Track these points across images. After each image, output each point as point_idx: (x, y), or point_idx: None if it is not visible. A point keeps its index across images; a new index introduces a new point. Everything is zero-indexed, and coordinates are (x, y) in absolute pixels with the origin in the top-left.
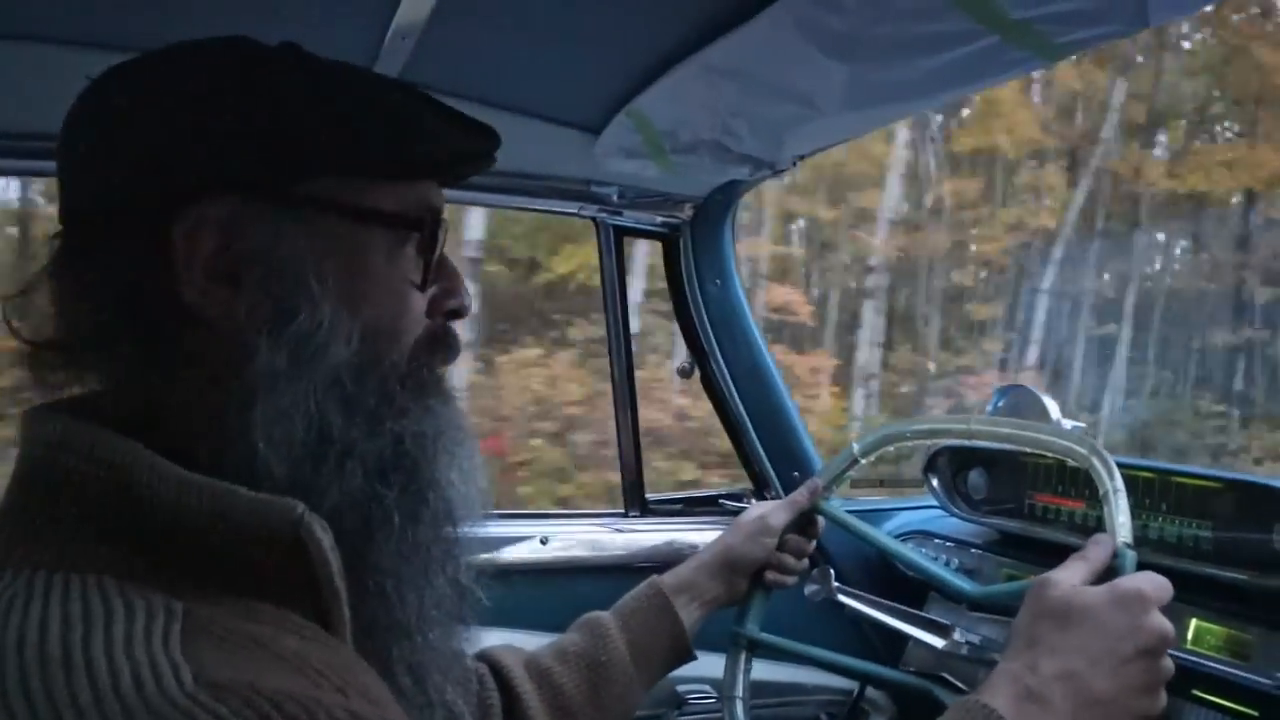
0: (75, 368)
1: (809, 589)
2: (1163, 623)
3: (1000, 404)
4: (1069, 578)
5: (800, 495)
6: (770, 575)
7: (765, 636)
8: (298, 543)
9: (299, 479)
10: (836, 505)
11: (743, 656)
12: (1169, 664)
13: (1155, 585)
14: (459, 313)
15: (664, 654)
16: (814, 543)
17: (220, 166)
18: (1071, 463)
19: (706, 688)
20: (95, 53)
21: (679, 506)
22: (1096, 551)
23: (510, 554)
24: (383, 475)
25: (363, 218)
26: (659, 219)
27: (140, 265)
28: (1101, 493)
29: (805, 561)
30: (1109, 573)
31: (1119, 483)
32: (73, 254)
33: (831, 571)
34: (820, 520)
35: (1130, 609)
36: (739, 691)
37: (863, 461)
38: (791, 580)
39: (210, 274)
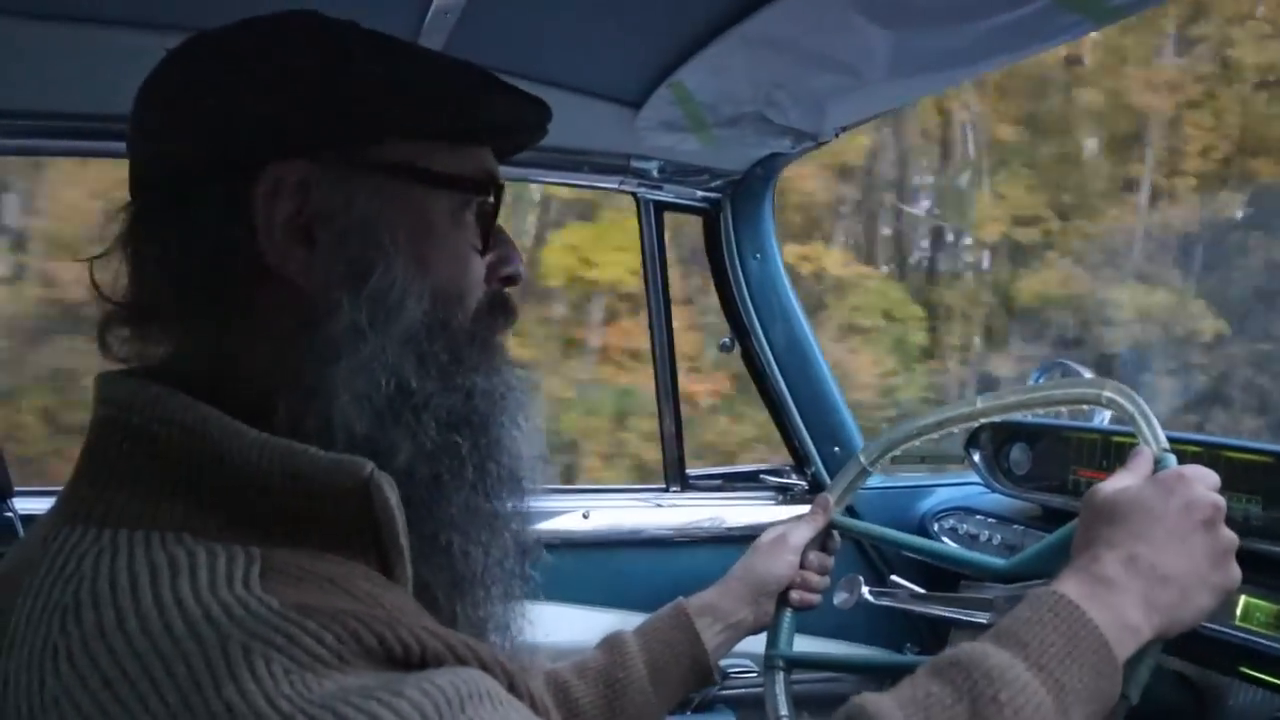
0: (153, 330)
1: (838, 598)
2: (1212, 495)
3: (1041, 381)
4: (1114, 484)
5: (814, 512)
6: (796, 594)
7: (800, 654)
8: (365, 498)
9: (375, 433)
10: (857, 508)
11: (780, 677)
12: (1230, 533)
13: (1195, 470)
14: (514, 279)
15: (683, 675)
16: (833, 557)
17: (295, 131)
18: (1092, 409)
19: (747, 662)
20: (138, 34)
21: (719, 482)
22: (1139, 461)
23: (552, 527)
24: (454, 427)
25: (430, 180)
26: (699, 194)
27: (220, 228)
28: (1127, 417)
29: (828, 578)
30: None
31: (1142, 405)
32: (151, 221)
33: (859, 578)
34: (836, 535)
35: (1176, 490)
36: (783, 711)
37: (871, 470)
38: (817, 599)
39: (289, 234)
